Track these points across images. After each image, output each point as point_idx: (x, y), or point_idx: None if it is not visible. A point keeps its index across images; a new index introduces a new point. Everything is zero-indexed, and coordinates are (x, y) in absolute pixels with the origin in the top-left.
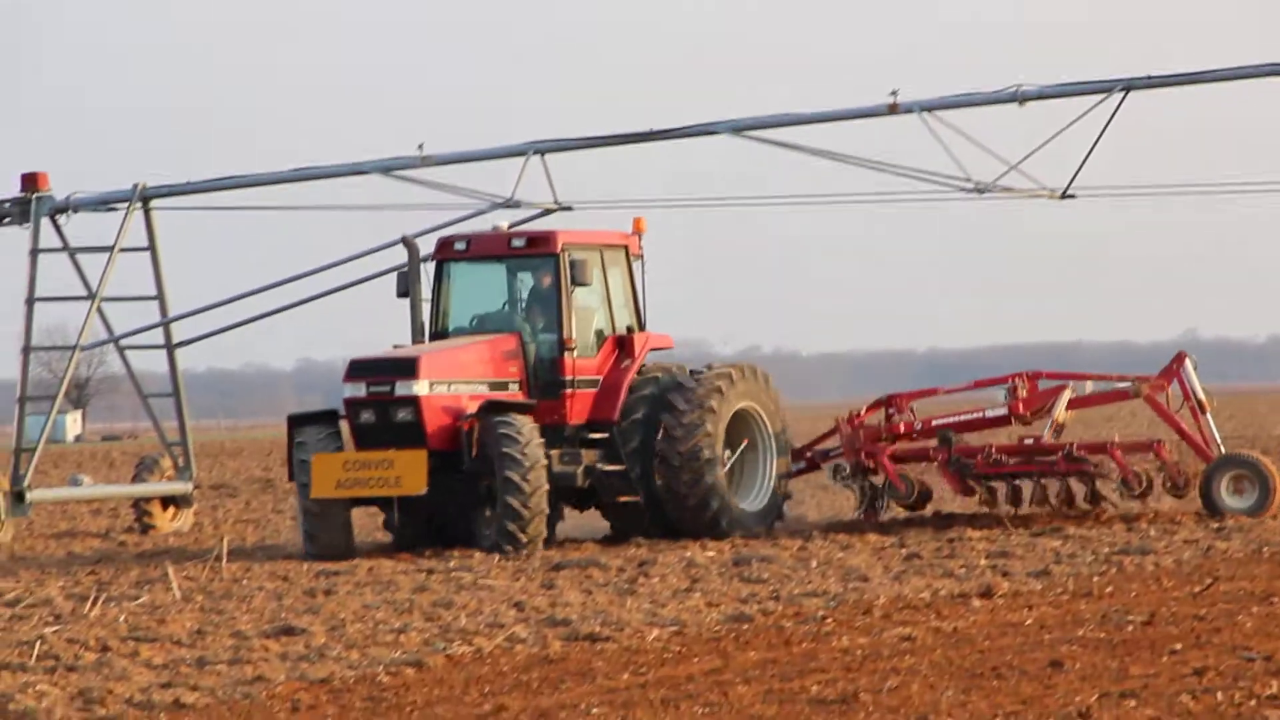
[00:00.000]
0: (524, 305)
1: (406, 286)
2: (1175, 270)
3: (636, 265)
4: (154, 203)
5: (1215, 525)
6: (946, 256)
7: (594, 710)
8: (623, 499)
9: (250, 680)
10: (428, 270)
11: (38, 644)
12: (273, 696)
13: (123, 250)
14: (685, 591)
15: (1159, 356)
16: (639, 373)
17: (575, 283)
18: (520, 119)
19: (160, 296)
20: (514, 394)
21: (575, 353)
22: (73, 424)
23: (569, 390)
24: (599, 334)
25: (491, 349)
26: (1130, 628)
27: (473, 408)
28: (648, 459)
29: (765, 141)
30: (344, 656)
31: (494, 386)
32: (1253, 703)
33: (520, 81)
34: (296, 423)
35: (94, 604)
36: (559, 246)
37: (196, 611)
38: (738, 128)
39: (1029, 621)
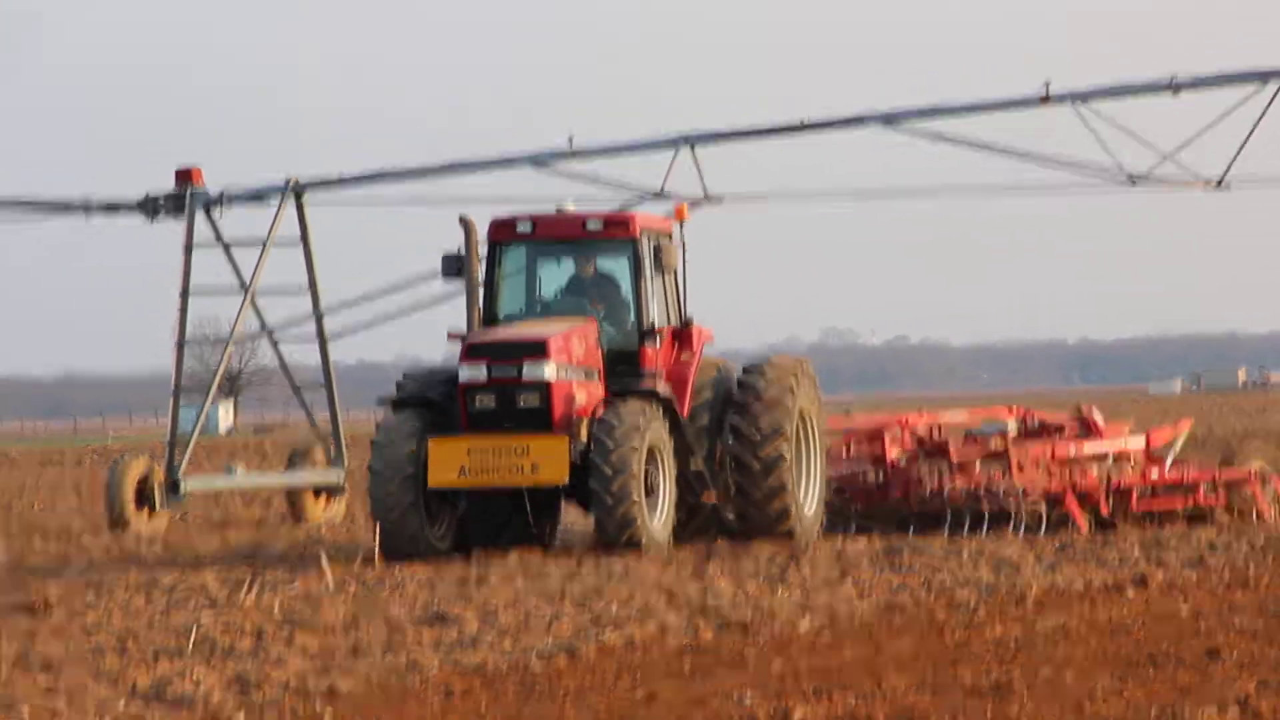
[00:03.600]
0: (594, 291)
1: (459, 267)
2: None
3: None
4: (306, 196)
5: None
6: (1099, 248)
7: (747, 699)
8: (705, 499)
9: (404, 668)
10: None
11: (194, 630)
12: (426, 684)
13: (275, 244)
14: (836, 580)
15: None
16: None
17: (659, 269)
18: (670, 111)
19: (313, 289)
20: (654, 383)
21: (655, 343)
22: (225, 416)
23: (649, 382)
24: (659, 324)
25: (585, 334)
26: None
27: (583, 397)
28: (713, 460)
29: (916, 133)
30: (496, 644)
31: (588, 374)
32: None
33: (671, 74)
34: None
35: (249, 591)
36: (638, 230)
37: (350, 599)
38: (888, 119)
39: (1184, 611)
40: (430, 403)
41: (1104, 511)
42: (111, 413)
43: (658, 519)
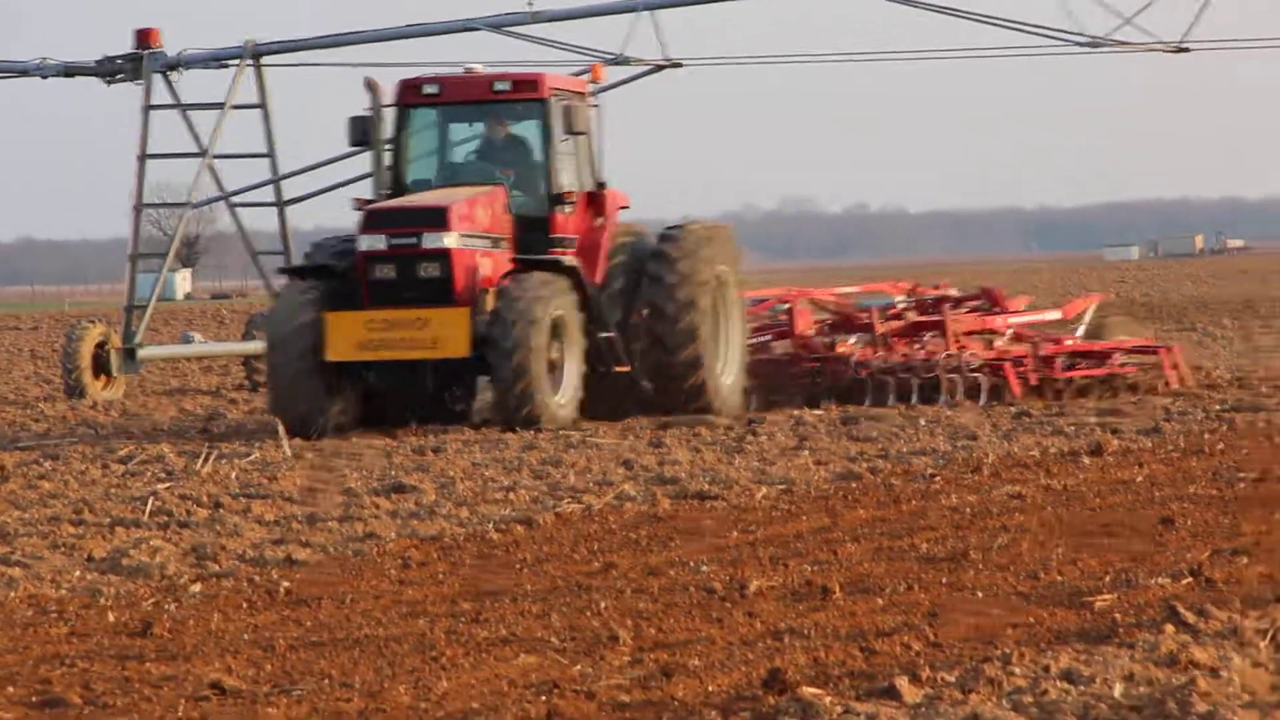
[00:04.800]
0: (505, 156)
1: (364, 133)
2: None
3: (593, 116)
4: (265, 59)
5: None
6: (1056, 112)
7: (703, 568)
8: (616, 369)
9: (361, 537)
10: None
11: (150, 500)
12: (384, 553)
13: (234, 107)
14: (793, 450)
15: (1270, 211)
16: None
17: (569, 131)
18: None
19: (271, 154)
20: (561, 252)
21: (569, 209)
22: (182, 282)
23: (558, 250)
24: (571, 189)
25: (491, 201)
26: (1241, 485)
27: (487, 266)
28: (627, 330)
29: None
30: (454, 514)
31: (494, 243)
32: None
33: None
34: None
35: (205, 461)
36: (548, 91)
37: (307, 469)
38: None
39: (1140, 479)
40: (331, 273)
41: (1032, 380)
42: (69, 279)
43: (562, 394)
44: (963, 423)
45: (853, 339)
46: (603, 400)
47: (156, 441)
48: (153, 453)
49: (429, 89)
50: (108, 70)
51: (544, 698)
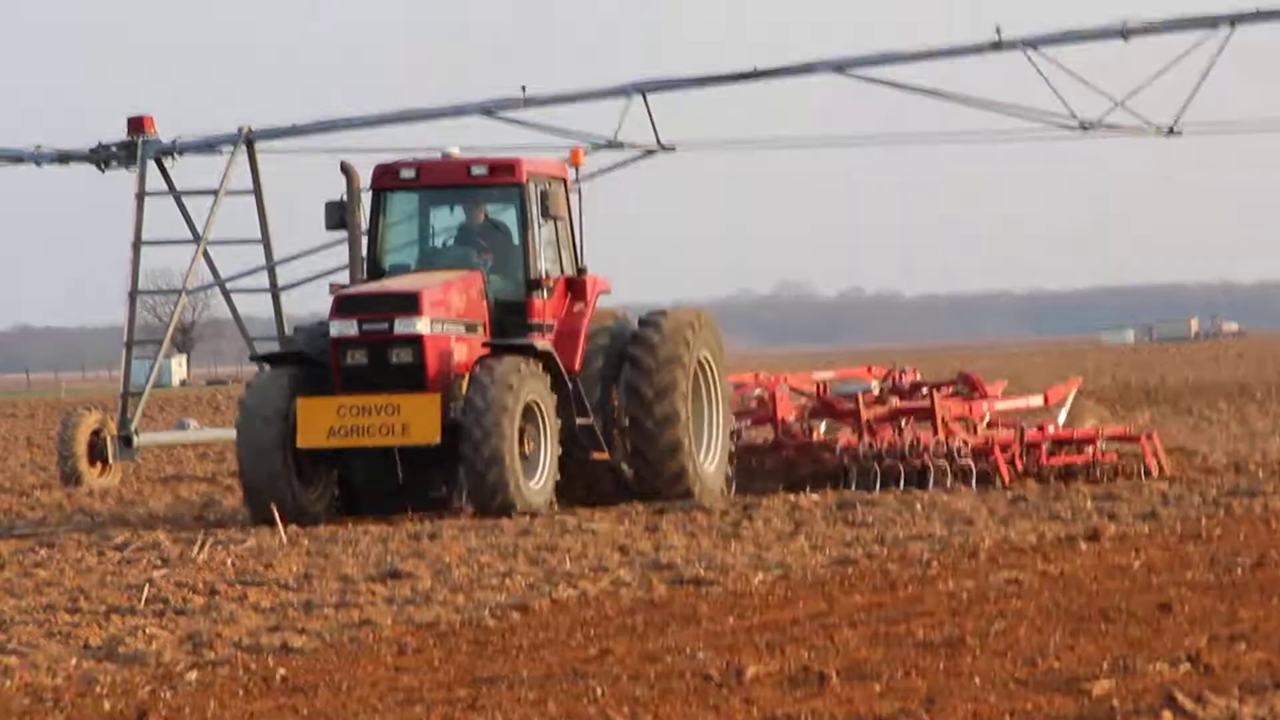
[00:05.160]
0: (482, 240)
1: (342, 217)
2: None
3: (573, 200)
4: (258, 145)
5: None
6: (1050, 197)
7: (700, 654)
8: (596, 456)
9: (357, 624)
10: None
11: (146, 587)
12: (379, 640)
13: (228, 193)
14: (789, 535)
15: (1264, 295)
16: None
17: (547, 216)
18: (624, 60)
19: (265, 239)
20: (538, 337)
21: (545, 293)
22: (178, 368)
23: (536, 335)
24: (549, 274)
25: (467, 286)
26: (1239, 570)
27: (462, 352)
28: (608, 417)
29: (867, 79)
30: (449, 600)
31: (469, 328)
32: None
33: (626, 22)
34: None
35: (201, 548)
36: (525, 175)
37: (303, 556)
38: (839, 66)
39: (1137, 565)
40: (304, 359)
41: (1018, 466)
42: (65, 366)
43: (535, 481)
44: (959, 508)
45: (823, 425)
46: (583, 487)
47: (152, 529)
48: (148, 540)
49: (405, 173)
50: (102, 157)
51: None
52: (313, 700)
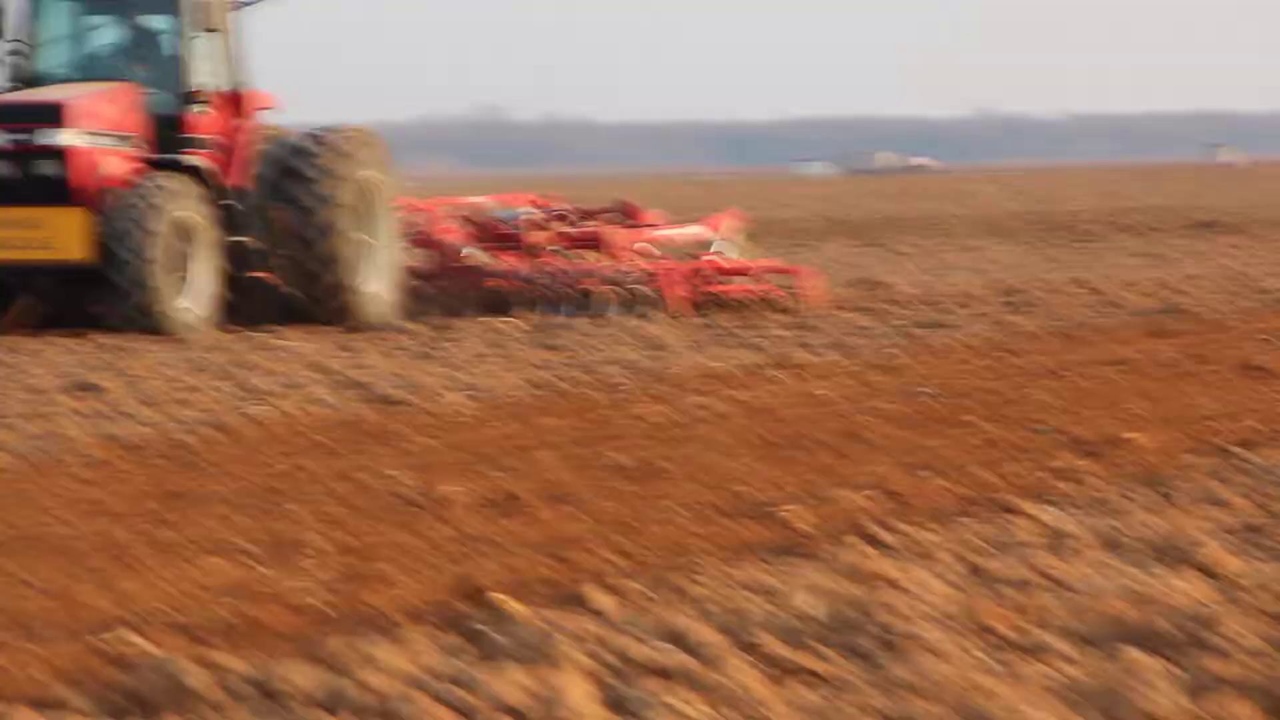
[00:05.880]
0: (139, 52)
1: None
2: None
3: (236, 15)
4: None
5: (1010, 300)
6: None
7: (391, 472)
8: (255, 275)
9: (46, 435)
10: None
11: None
12: (70, 452)
13: None
14: (486, 357)
15: (957, 130)
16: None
17: (205, 28)
18: None
19: None
20: (197, 154)
21: (200, 108)
22: None
23: (193, 151)
24: (206, 87)
25: (120, 98)
26: (926, 400)
27: (113, 165)
28: (270, 233)
29: None
30: (141, 415)
31: (123, 141)
32: (1043, 474)
33: None
34: None
35: None
36: None
37: None
38: None
39: (827, 394)
40: None
41: (683, 294)
42: None
43: (189, 300)
44: (653, 333)
45: (475, 250)
46: (246, 307)
47: None
48: None
49: None
50: None
51: (235, 601)
52: (0, 511)
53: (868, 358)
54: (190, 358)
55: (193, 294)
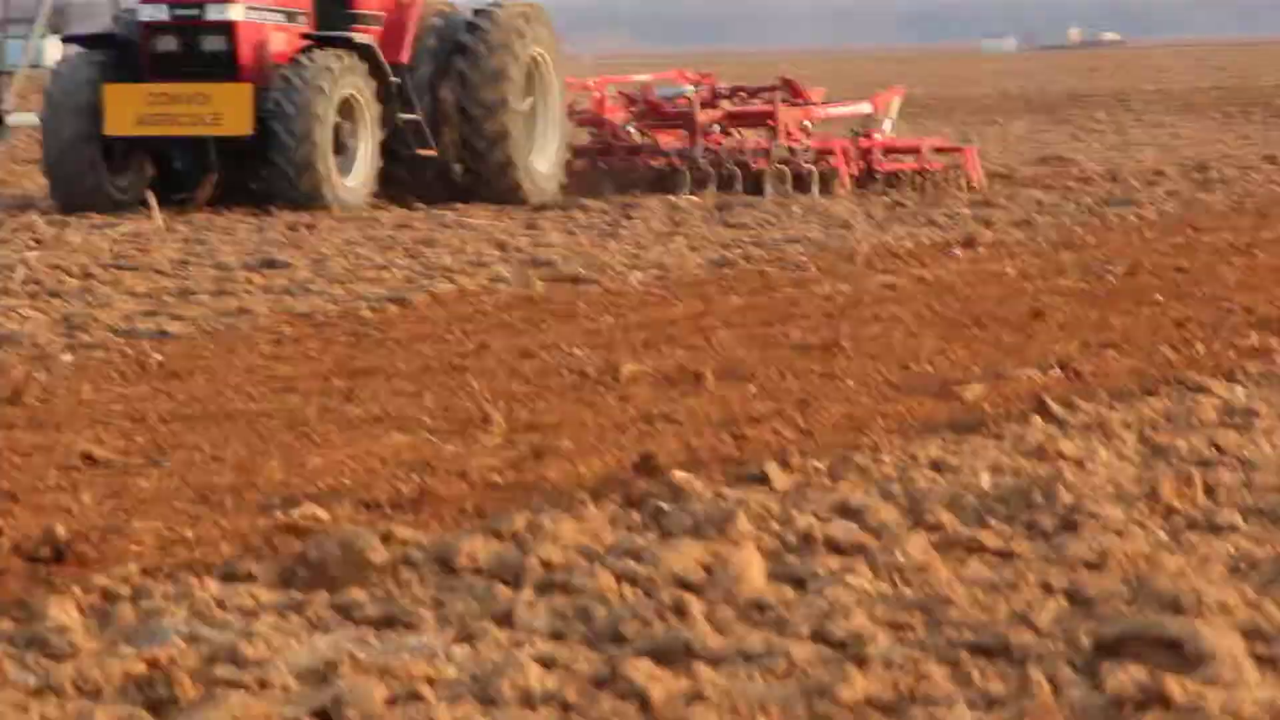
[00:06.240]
0: None
1: None
2: None
3: None
4: None
5: (1199, 177)
6: None
7: (575, 350)
8: (422, 153)
9: (234, 312)
10: None
11: (20, 268)
12: (256, 328)
13: None
14: (667, 235)
15: (1145, 6)
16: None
17: None
18: None
19: None
20: (364, 30)
21: None
22: (52, 49)
23: (359, 27)
24: None
25: None
26: (1111, 278)
27: (279, 41)
28: (438, 112)
29: None
30: (327, 291)
31: (290, 17)
32: (1231, 353)
33: None
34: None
35: (76, 231)
36: None
37: (179, 241)
38: None
39: (1010, 272)
40: (115, 42)
41: (855, 171)
42: None
43: (352, 177)
44: (836, 212)
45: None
46: (412, 185)
47: (26, 211)
48: (23, 221)
49: None
50: None
51: (416, 476)
52: (188, 385)
53: (1052, 235)
54: (375, 235)
55: (357, 172)
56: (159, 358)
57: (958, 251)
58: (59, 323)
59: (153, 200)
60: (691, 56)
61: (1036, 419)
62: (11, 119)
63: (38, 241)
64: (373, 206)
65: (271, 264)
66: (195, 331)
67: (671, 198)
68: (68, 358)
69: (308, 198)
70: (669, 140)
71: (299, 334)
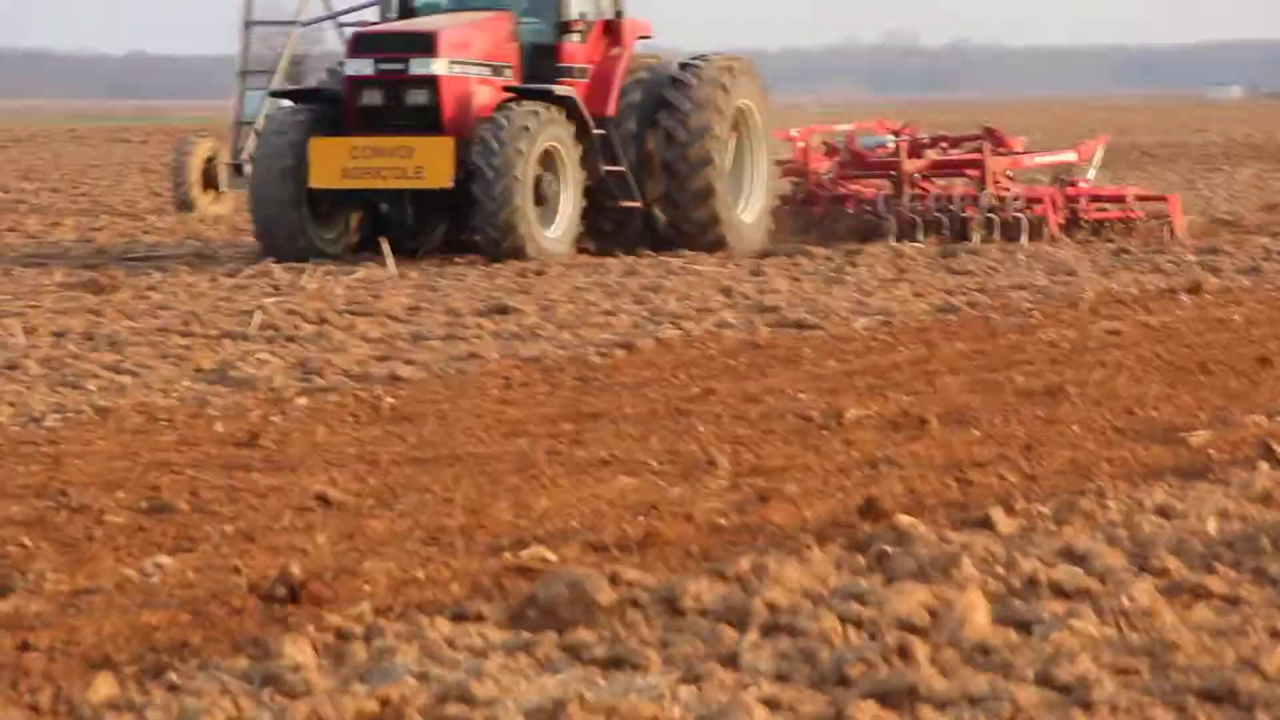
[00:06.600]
0: None
1: None
2: None
3: None
4: None
5: None
6: None
7: (801, 396)
8: (625, 205)
9: (464, 357)
10: None
11: (258, 314)
12: (486, 373)
13: None
14: (892, 281)
15: None
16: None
17: None
18: None
19: None
20: (569, 83)
21: (578, 37)
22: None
23: (567, 80)
24: (584, 15)
25: (495, 28)
26: None
27: (483, 95)
28: (643, 163)
29: None
30: (555, 336)
31: (495, 71)
32: None
33: None
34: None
35: (311, 277)
36: None
37: (411, 287)
38: None
39: (1237, 318)
40: (322, 97)
41: (1061, 220)
42: (179, 95)
43: (554, 229)
44: (1061, 258)
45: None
46: (616, 236)
47: (262, 257)
48: (260, 268)
49: None
50: None
51: (642, 518)
52: (420, 429)
53: (1279, 282)
54: (603, 281)
55: (559, 223)
56: (391, 401)
57: (1184, 298)
58: (295, 367)
59: (386, 247)
60: (921, 105)
61: (1263, 465)
62: (249, 168)
63: (274, 288)
64: (580, 252)
65: (501, 310)
66: (427, 376)
67: (894, 244)
68: (302, 401)
69: (511, 254)
70: (874, 189)
71: (528, 378)
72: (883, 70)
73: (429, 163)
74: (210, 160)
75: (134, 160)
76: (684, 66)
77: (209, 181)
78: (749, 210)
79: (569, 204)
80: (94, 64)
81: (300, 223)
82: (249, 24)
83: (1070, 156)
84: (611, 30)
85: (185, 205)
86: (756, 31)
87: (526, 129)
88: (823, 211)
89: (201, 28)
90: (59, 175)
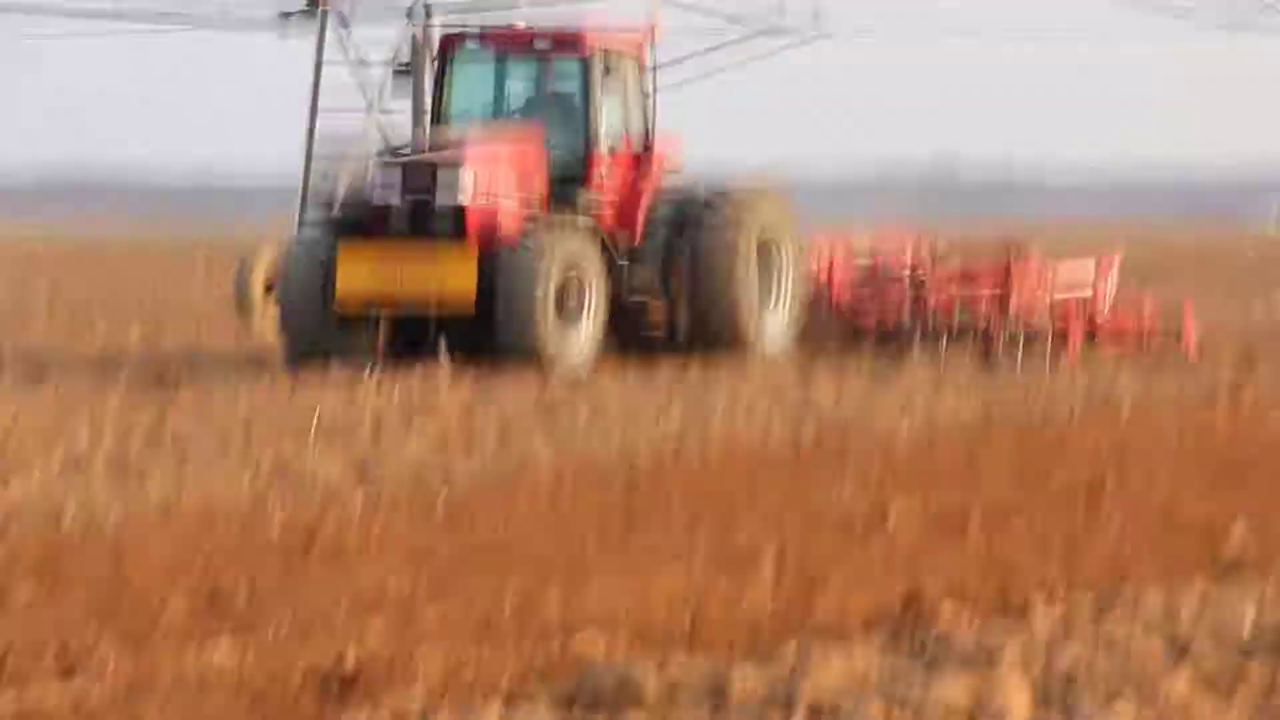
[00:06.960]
0: (544, 111)
1: (410, 64)
2: None
3: (647, 75)
4: (434, 18)
5: None
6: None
7: (846, 495)
8: (650, 335)
9: (516, 455)
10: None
11: (316, 414)
12: (538, 472)
13: (400, 65)
14: (935, 386)
15: None
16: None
17: (610, 89)
18: None
19: (415, 113)
20: (595, 215)
21: (604, 168)
22: None
23: (593, 211)
24: (612, 148)
25: (525, 157)
26: None
27: (511, 221)
28: (668, 286)
29: None
30: (606, 438)
31: (521, 199)
32: None
33: None
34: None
35: (369, 378)
36: (589, 49)
37: (465, 388)
38: None
39: (1274, 423)
40: (349, 220)
41: (1086, 331)
42: (243, 221)
43: (578, 350)
44: (1094, 365)
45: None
46: (647, 363)
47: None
48: (319, 370)
49: (471, 43)
50: (283, 24)
51: (689, 608)
52: (472, 524)
53: None
54: (653, 383)
55: (581, 349)
56: (445, 497)
57: (1221, 401)
58: (352, 464)
59: (442, 348)
60: (964, 221)
61: None
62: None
63: (333, 386)
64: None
65: (552, 411)
66: (480, 473)
67: (928, 350)
68: (359, 499)
69: (524, 358)
70: (904, 299)
71: (579, 477)
72: (925, 192)
73: (452, 284)
74: (273, 268)
75: (199, 269)
76: (711, 192)
77: (271, 288)
78: (777, 321)
79: (591, 332)
80: (158, 192)
81: (325, 339)
82: (309, 157)
83: (1089, 268)
84: (638, 161)
85: (248, 313)
86: (799, 159)
87: (544, 251)
88: (849, 320)
89: (264, 159)
90: (124, 284)
